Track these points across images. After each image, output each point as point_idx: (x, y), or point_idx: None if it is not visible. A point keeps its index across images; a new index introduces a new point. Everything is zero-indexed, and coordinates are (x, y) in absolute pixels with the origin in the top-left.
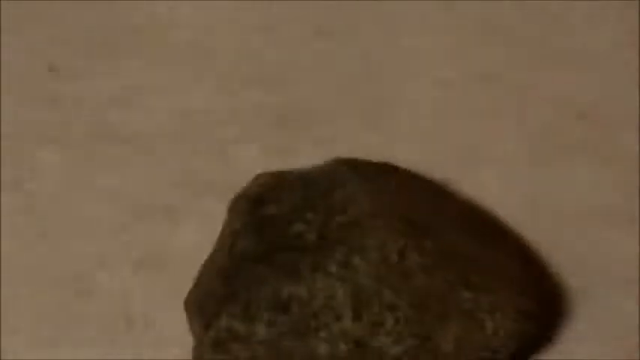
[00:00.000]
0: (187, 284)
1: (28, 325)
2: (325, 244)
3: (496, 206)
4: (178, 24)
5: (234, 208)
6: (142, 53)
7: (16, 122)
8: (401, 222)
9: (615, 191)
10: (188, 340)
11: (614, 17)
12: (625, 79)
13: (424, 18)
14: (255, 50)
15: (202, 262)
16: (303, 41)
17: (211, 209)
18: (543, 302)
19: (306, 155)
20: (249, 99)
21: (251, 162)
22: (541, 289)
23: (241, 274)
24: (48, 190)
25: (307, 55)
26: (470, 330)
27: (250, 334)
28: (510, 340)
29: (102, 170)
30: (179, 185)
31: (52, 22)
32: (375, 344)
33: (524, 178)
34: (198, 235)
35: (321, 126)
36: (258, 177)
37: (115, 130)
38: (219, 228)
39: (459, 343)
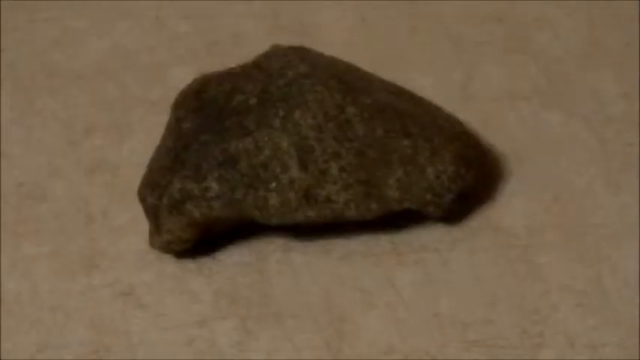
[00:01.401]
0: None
1: None
2: (267, 104)
3: (425, 95)
4: None
5: (177, 102)
6: (74, 5)
7: None
8: (337, 81)
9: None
10: (145, 228)
11: None
12: None
13: None
14: None
15: None
16: None
17: (155, 122)
18: (478, 155)
19: None
20: (180, 31)
21: (188, 82)
22: (474, 144)
23: (190, 146)
24: None
25: None
26: (413, 175)
27: (204, 192)
28: (452, 183)
29: (46, 100)
30: (120, 105)
31: None
32: (323, 193)
33: (450, 71)
34: (144, 145)
35: (249, 48)
36: (196, 78)
37: (57, 67)
38: None
39: (403, 188)
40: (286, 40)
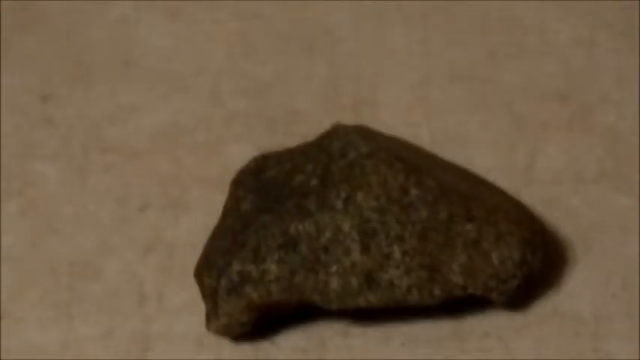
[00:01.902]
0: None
1: (40, 309)
2: (328, 185)
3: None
4: (158, 52)
5: (236, 181)
6: (129, 80)
7: (16, 143)
8: (400, 162)
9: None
10: (201, 310)
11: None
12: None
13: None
14: (237, 67)
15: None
16: (285, 55)
17: (212, 200)
18: (543, 240)
19: None
20: (238, 107)
21: (245, 159)
22: (540, 229)
23: (249, 227)
24: (49, 194)
25: (288, 67)
26: (477, 261)
27: (263, 275)
28: (517, 269)
29: (99, 175)
30: (176, 183)
31: (43, 57)
32: (386, 277)
33: (513, 152)
34: (200, 224)
35: (308, 125)
36: (255, 157)
37: (111, 143)
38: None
39: (467, 273)
40: (345, 117)
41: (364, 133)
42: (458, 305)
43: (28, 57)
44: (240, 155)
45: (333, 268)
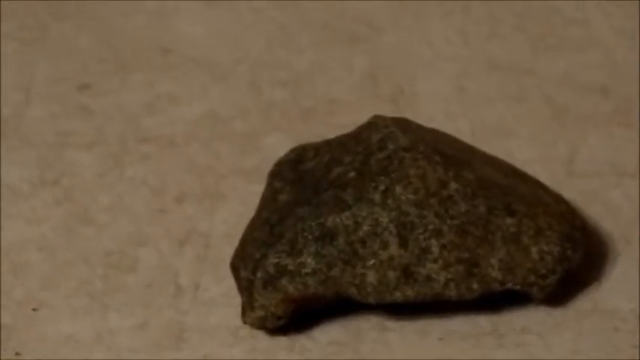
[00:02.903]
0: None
1: (74, 299)
2: (366, 178)
3: (527, 169)
4: (196, 41)
5: (273, 172)
6: (167, 69)
7: (53, 132)
8: (439, 155)
9: None
10: (237, 302)
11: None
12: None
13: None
14: (276, 57)
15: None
16: (324, 45)
17: (249, 191)
18: (584, 235)
19: None
20: (276, 97)
21: (283, 150)
22: (580, 224)
23: (286, 220)
24: (85, 184)
25: (327, 57)
26: (516, 255)
27: (299, 268)
28: (557, 264)
29: (135, 165)
30: (213, 173)
31: (81, 46)
32: (423, 271)
33: (554, 145)
34: (237, 215)
35: (346, 116)
36: (294, 148)
37: (148, 133)
38: None
39: (505, 268)
40: (384, 108)
41: (403, 125)
42: (496, 300)
43: (65, 46)
44: (277, 146)
45: (371, 262)
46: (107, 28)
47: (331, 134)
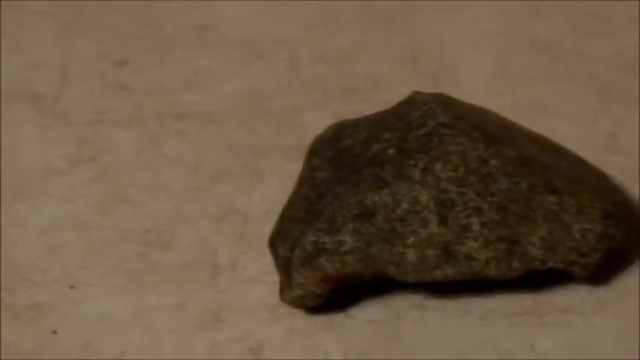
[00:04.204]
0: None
1: (112, 277)
2: (405, 155)
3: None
4: (235, 18)
5: (312, 149)
6: (206, 46)
7: (90, 109)
8: (480, 131)
9: None
10: (275, 280)
11: None
12: None
13: None
14: (316, 34)
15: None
16: (365, 22)
17: (287, 169)
18: (626, 213)
19: None
20: (316, 75)
21: (322, 127)
22: (622, 202)
23: (324, 197)
24: (122, 161)
25: (367, 35)
26: (557, 233)
27: (338, 246)
28: (599, 242)
29: (173, 142)
30: (251, 151)
31: (118, 22)
32: (463, 250)
33: (596, 122)
34: (275, 193)
35: (387, 93)
36: (332, 125)
37: (186, 110)
38: None
39: (547, 246)
40: (425, 85)
41: (443, 101)
42: (538, 279)
43: (102, 22)
44: (316, 123)
45: (410, 240)
46: (145, 4)
47: (371, 111)
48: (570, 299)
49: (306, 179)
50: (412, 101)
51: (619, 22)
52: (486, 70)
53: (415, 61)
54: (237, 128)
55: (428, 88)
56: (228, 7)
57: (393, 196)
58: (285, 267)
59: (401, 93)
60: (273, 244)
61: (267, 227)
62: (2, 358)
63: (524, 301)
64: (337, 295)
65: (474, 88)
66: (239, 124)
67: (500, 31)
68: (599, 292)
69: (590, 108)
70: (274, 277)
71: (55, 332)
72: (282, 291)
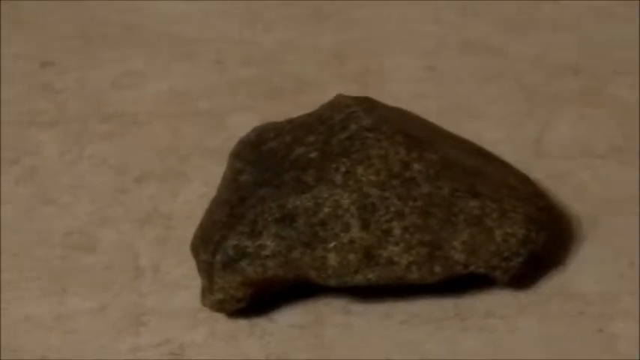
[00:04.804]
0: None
1: (34, 280)
2: (327, 159)
3: (495, 150)
4: (162, 18)
5: (235, 152)
6: (133, 45)
7: (15, 111)
8: (403, 135)
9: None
10: (197, 284)
11: None
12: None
13: None
14: (242, 35)
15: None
16: (291, 21)
17: (212, 171)
18: (549, 217)
19: None
20: (242, 76)
21: (248, 129)
22: (546, 206)
23: (246, 201)
24: (46, 164)
25: (294, 35)
26: (479, 238)
27: (259, 250)
28: (521, 247)
29: (97, 143)
30: (176, 153)
31: (44, 22)
32: (385, 254)
33: (522, 125)
34: (199, 196)
35: (314, 95)
36: (255, 127)
37: (111, 111)
38: None
39: (469, 251)
40: (351, 88)
41: (367, 105)
42: (460, 284)
43: (28, 23)
44: (243, 125)
45: (331, 244)
46: (71, 4)
47: (298, 113)
48: (493, 303)
49: (229, 182)
50: (336, 104)
51: (547, 22)
52: (413, 72)
53: (342, 62)
54: (162, 129)
55: (354, 89)
56: (155, 6)
57: (314, 200)
58: (207, 271)
59: (328, 94)
60: (196, 247)
61: (191, 230)
62: None
63: (446, 305)
64: (259, 300)
65: (401, 90)
66: (164, 125)
67: (429, 30)
68: (522, 296)
69: (516, 111)
70: (197, 282)
71: None
72: (203, 295)
